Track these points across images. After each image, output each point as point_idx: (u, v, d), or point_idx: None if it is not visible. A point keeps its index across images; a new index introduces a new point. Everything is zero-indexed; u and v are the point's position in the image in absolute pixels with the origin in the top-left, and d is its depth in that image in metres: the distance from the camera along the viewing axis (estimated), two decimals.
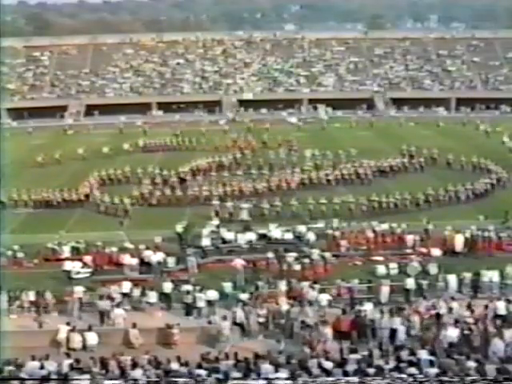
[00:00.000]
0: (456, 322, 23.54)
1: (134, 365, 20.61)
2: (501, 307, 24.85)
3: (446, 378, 17.48)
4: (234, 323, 25.04)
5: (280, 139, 63.27)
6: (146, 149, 64.14)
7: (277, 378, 18.25)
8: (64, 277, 30.61)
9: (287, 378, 18.11)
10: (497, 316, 24.41)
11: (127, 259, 31.76)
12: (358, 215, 39.67)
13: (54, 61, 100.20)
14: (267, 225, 36.15)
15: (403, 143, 59.02)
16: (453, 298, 25.82)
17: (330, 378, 18.08)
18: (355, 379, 17.44)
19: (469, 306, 24.98)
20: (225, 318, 24.93)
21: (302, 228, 35.47)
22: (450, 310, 24.74)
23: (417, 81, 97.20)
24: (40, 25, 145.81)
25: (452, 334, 22.62)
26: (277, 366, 19.51)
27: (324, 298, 26.68)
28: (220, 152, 57.88)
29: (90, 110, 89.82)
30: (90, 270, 31.58)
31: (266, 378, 18.29)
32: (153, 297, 27.38)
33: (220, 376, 18.68)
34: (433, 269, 29.82)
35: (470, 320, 23.75)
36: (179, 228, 36.02)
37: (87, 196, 45.30)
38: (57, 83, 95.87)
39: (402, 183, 47.47)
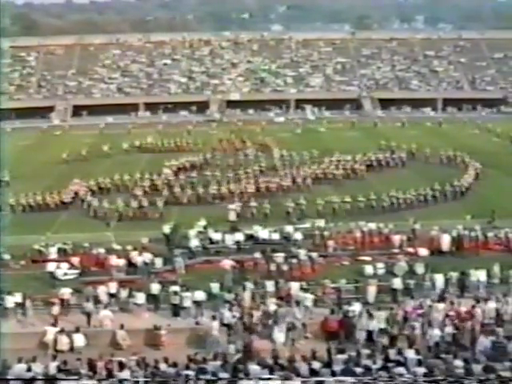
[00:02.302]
0: (443, 322, 23.65)
1: (122, 366, 20.54)
2: (490, 307, 24.95)
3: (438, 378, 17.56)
4: (222, 324, 25.01)
5: (260, 139, 63.68)
6: (143, 150, 63.92)
7: (269, 379, 18.25)
8: (49, 278, 30.49)
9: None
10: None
11: (114, 260, 31.67)
12: (343, 215, 39.90)
13: (40, 61, 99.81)
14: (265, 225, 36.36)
15: (389, 143, 59.63)
16: (440, 298, 25.90)
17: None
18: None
19: (453, 304, 25.12)
20: (214, 317, 24.90)
21: (289, 228, 35.52)
22: (437, 309, 24.82)
23: (404, 81, 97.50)
24: (26, 25, 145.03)
25: (439, 333, 22.72)
26: (265, 367, 19.51)
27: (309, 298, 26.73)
28: (204, 152, 58.11)
29: (77, 110, 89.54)
30: (77, 271, 31.47)
31: (259, 379, 18.26)
32: (140, 298, 27.32)
33: (208, 377, 18.67)
34: (420, 268, 29.91)
35: (457, 319, 23.87)
36: (166, 229, 35.97)
37: (74, 198, 45.10)
38: (43, 84, 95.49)
39: (386, 180, 48.14)
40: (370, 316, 24.46)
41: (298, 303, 26.16)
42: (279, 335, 24.19)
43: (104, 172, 51.18)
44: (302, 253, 31.62)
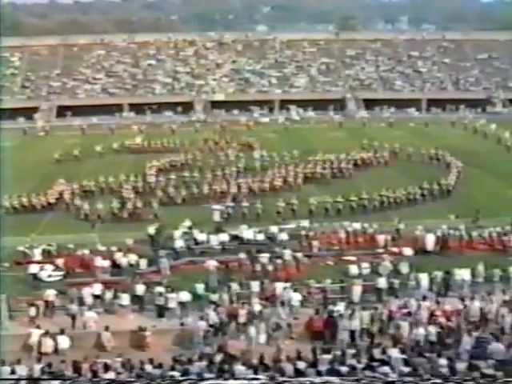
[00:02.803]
0: (427, 321, 23.76)
1: (107, 368, 20.49)
2: (474, 306, 25.09)
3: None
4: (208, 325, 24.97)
5: (243, 140, 63.81)
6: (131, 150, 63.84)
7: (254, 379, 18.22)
8: (33, 280, 30.34)
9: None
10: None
11: (99, 262, 31.55)
12: (335, 214, 40.14)
13: (24, 61, 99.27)
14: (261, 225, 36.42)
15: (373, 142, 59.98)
16: (424, 297, 26.03)
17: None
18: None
19: (438, 304, 25.24)
20: (201, 318, 24.87)
21: (274, 229, 35.55)
22: (422, 308, 24.93)
23: (388, 82, 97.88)
24: (10, 25, 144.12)
25: (423, 332, 22.82)
26: (250, 367, 19.52)
27: (296, 298, 26.75)
28: (193, 153, 58.12)
29: (61, 111, 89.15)
30: (61, 272, 31.33)
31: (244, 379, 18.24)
32: (125, 299, 27.24)
33: (193, 377, 18.64)
34: (404, 268, 30.04)
35: (442, 318, 23.99)
36: (151, 230, 35.90)
37: (58, 199, 44.93)
38: (27, 84, 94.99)
39: (372, 179, 48.58)
40: (352, 315, 24.53)
41: (282, 303, 26.18)
42: (257, 335, 24.18)
43: (92, 173, 50.87)
44: (287, 253, 31.67)
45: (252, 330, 24.24)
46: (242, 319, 25.13)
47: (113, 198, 43.70)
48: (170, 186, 46.28)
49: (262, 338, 24.31)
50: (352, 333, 24.13)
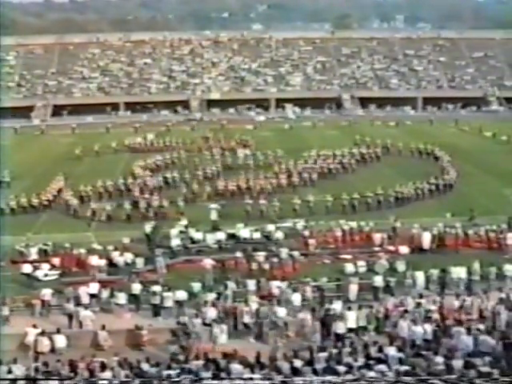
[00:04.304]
0: (424, 319, 23.77)
1: (103, 367, 20.47)
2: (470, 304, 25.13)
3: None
4: (204, 324, 24.96)
5: (237, 139, 63.86)
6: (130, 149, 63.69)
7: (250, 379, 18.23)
8: (28, 279, 30.30)
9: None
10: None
11: (95, 261, 31.52)
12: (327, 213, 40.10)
13: (20, 61, 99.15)
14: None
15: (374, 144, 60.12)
16: (421, 295, 26.05)
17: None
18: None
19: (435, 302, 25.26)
20: (196, 315, 24.85)
21: (270, 227, 35.56)
22: (418, 306, 24.96)
23: (384, 80, 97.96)
24: (5, 24, 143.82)
25: (420, 330, 22.83)
26: (247, 366, 19.52)
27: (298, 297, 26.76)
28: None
29: (57, 110, 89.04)
30: (57, 271, 31.29)
31: (241, 378, 18.25)
32: (122, 298, 27.22)
33: (190, 376, 18.63)
34: (401, 266, 30.05)
35: (438, 316, 24.02)
36: (148, 228, 35.89)
37: (55, 196, 44.89)
38: (23, 83, 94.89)
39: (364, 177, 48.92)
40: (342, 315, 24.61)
41: (279, 302, 26.17)
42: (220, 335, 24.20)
43: (92, 173, 50.87)
44: (284, 252, 31.68)
45: (216, 330, 24.14)
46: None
47: (122, 199, 43.58)
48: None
49: (223, 338, 24.17)
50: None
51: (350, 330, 24.18)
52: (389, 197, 42.20)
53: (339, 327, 24.02)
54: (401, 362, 19.45)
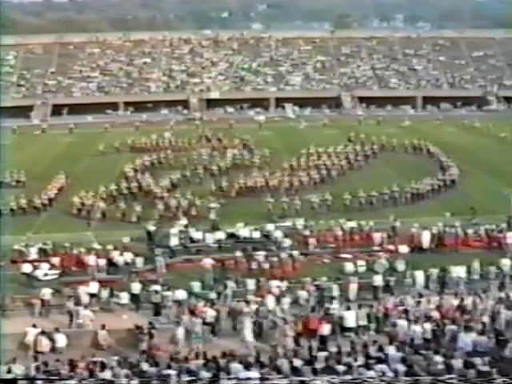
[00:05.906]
0: (424, 318, 23.77)
1: (103, 366, 20.46)
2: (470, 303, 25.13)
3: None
4: (204, 323, 24.96)
5: (237, 137, 63.84)
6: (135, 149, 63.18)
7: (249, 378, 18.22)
8: (27, 279, 30.30)
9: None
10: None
11: (95, 260, 31.51)
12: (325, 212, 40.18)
13: (19, 60, 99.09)
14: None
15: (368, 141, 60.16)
16: (420, 295, 26.06)
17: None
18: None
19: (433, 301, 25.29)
20: (195, 315, 24.83)
21: (270, 227, 35.55)
22: (418, 305, 24.97)
23: (383, 79, 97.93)
24: (5, 23, 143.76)
25: (419, 329, 22.84)
26: (247, 366, 19.52)
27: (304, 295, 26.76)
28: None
29: (56, 109, 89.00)
30: (57, 271, 31.28)
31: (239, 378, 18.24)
32: (123, 298, 27.24)
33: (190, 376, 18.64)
34: (400, 266, 30.05)
35: (438, 315, 24.01)
36: (151, 226, 35.87)
37: (56, 194, 44.95)
38: (23, 82, 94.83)
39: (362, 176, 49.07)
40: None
41: (278, 301, 26.17)
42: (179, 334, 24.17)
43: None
44: (284, 251, 31.67)
45: (180, 331, 24.07)
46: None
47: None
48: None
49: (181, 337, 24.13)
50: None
51: (350, 329, 24.25)
52: (405, 193, 42.56)
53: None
54: (401, 361, 19.46)
